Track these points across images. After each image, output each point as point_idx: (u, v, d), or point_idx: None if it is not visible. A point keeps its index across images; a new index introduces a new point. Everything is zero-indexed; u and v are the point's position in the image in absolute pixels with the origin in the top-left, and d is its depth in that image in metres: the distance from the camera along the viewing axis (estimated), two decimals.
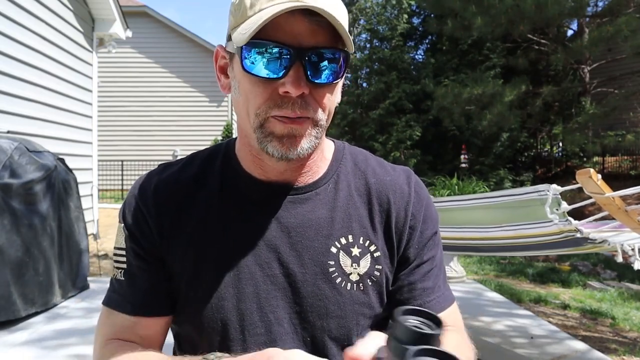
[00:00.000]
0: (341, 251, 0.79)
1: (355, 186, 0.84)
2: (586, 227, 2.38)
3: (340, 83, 0.76)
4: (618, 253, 2.56)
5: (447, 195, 9.96)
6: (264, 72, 0.69)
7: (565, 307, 4.72)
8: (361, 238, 0.80)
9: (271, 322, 0.77)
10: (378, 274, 0.80)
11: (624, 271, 6.05)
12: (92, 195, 6.77)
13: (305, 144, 0.72)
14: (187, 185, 0.82)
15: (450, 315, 0.85)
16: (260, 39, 0.68)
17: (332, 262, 0.78)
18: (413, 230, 0.83)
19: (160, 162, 0.92)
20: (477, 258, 6.87)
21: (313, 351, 0.77)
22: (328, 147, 0.87)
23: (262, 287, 0.77)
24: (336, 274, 0.78)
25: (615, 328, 4.11)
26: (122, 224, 0.82)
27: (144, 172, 0.88)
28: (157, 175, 0.84)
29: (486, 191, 10.36)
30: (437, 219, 0.88)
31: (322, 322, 0.78)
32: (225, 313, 0.77)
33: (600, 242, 2.40)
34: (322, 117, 0.73)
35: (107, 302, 0.83)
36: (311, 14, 0.67)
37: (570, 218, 2.30)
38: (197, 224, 0.79)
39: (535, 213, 2.39)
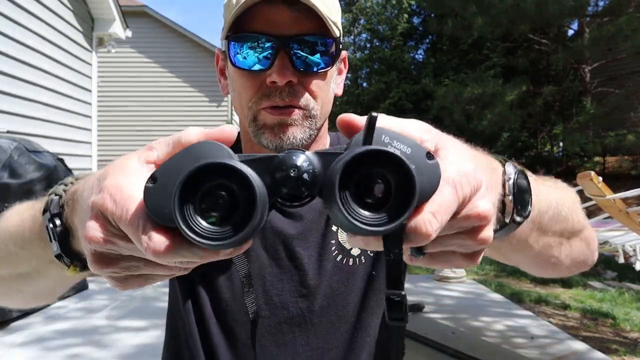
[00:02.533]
0: (339, 228, 0.79)
1: None
2: None
3: (332, 72, 0.75)
4: (619, 253, 2.56)
5: None
6: (250, 65, 0.70)
7: (565, 307, 4.71)
8: None
9: (276, 306, 0.77)
10: None
11: (624, 271, 6.03)
12: None
13: (297, 133, 0.72)
14: None
15: None
16: (244, 32, 0.69)
17: (333, 241, 0.79)
18: None
19: None
20: None
21: (323, 334, 0.77)
22: (327, 140, 0.88)
23: (268, 271, 0.77)
24: (336, 252, 0.79)
25: (616, 328, 4.10)
26: None
27: None
28: None
29: None
30: None
31: (328, 301, 0.78)
32: None
33: (601, 243, 2.39)
34: (314, 105, 0.73)
35: None
36: (292, 3, 0.67)
37: None
38: None
39: None
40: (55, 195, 0.50)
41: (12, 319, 3.53)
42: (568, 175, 11.77)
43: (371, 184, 0.34)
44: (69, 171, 4.60)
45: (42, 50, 5.50)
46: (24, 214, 0.59)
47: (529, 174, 0.54)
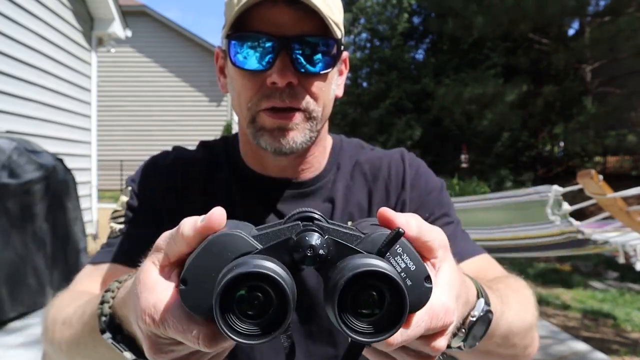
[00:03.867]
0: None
1: (352, 174, 0.85)
2: (588, 228, 2.36)
3: (333, 73, 0.74)
4: (620, 254, 2.55)
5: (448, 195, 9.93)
6: (250, 65, 0.69)
7: (566, 307, 4.70)
8: None
9: None
10: None
11: (625, 272, 6.02)
12: (91, 195, 6.75)
13: (298, 137, 0.71)
14: (200, 174, 0.83)
15: (482, 263, 0.81)
16: (245, 31, 0.68)
17: None
18: (414, 200, 0.83)
19: None
20: None
21: (321, 342, 0.77)
22: (328, 142, 0.87)
23: None
24: None
25: (617, 329, 4.09)
26: (128, 187, 0.82)
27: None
28: (174, 153, 0.86)
29: (487, 191, 10.33)
30: (442, 185, 0.87)
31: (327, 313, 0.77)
32: None
33: (602, 243, 2.39)
34: (315, 107, 0.72)
35: (90, 261, 0.80)
36: (294, 2, 0.66)
37: (571, 219, 2.28)
38: (202, 212, 0.79)
39: (536, 214, 2.37)
40: (104, 316, 0.55)
41: (10, 319, 3.52)
42: (568, 175, 11.76)
43: (367, 295, 0.39)
44: (68, 171, 4.59)
45: (42, 50, 5.49)
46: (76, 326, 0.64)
47: (497, 302, 0.59)
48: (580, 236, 2.31)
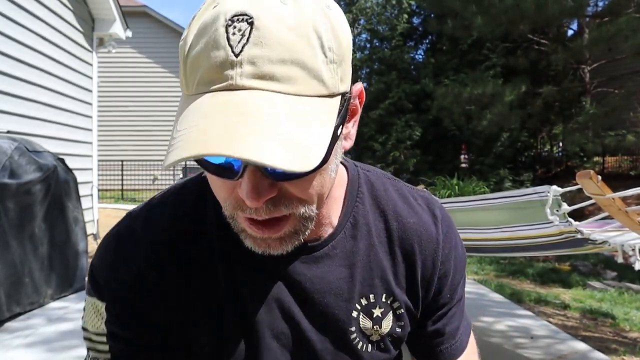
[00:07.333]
0: (362, 314, 0.70)
1: (376, 231, 0.71)
2: (587, 228, 2.37)
3: (334, 151, 0.55)
4: (618, 253, 2.56)
5: (447, 195, 9.95)
6: (215, 170, 0.52)
7: (565, 307, 4.72)
8: (383, 296, 0.72)
9: None
10: (400, 330, 0.74)
11: (624, 271, 6.04)
12: (92, 195, 6.76)
13: (289, 246, 0.58)
14: (180, 246, 0.67)
15: (471, 343, 0.83)
16: None
17: (353, 329, 0.70)
18: (442, 279, 0.75)
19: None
20: (477, 258, 6.87)
21: None
22: (340, 180, 0.70)
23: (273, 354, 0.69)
24: (357, 339, 0.71)
25: (616, 328, 4.10)
26: (97, 301, 0.68)
27: (113, 227, 0.71)
28: (139, 231, 0.67)
29: (486, 191, 10.35)
30: (465, 257, 0.81)
31: None
32: None
33: (600, 243, 2.40)
34: (306, 209, 0.56)
35: None
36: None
37: (570, 219, 2.29)
38: (199, 295, 0.67)
39: (535, 214, 2.38)
40: None
41: (7, 320, 3.52)
42: (567, 175, 11.78)
43: None
44: (69, 171, 4.60)
45: (43, 51, 5.51)
46: None
47: None
48: (579, 236, 2.32)
